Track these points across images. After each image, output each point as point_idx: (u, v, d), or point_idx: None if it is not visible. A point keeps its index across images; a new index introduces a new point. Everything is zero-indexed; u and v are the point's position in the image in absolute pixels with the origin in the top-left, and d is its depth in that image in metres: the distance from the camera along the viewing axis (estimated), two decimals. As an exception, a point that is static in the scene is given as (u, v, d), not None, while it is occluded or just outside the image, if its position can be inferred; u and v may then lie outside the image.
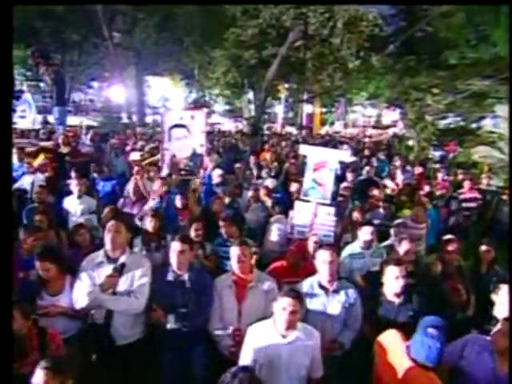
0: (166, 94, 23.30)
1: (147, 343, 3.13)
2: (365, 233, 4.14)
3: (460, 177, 9.21)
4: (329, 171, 4.90)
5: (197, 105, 16.33)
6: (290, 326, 2.48)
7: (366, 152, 12.89)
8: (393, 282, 3.07)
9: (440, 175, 8.86)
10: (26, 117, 10.33)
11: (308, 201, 4.81)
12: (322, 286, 3.12)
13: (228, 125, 27.23)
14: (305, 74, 14.64)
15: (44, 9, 17.62)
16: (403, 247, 3.72)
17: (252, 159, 8.78)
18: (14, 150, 6.39)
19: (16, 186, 5.76)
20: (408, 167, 10.42)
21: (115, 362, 3.02)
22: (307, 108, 24.70)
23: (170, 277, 3.03)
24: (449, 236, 4.38)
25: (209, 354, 3.14)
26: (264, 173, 7.29)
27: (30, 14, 17.49)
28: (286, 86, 23.08)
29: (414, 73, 14.96)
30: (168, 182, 6.05)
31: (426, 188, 7.85)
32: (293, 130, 30.12)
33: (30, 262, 3.28)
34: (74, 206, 5.15)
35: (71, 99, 23.62)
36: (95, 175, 6.50)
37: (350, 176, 8.23)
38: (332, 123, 30.47)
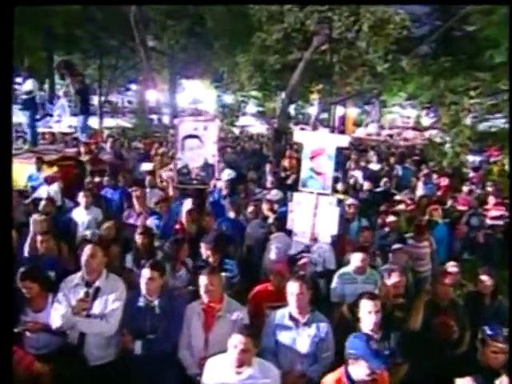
0: (198, 96, 23.69)
1: (120, 365, 3.19)
2: (356, 259, 3.99)
3: (488, 189, 8.68)
4: (327, 159, 4.55)
5: (219, 113, 16.40)
6: (241, 363, 2.44)
7: (393, 160, 12.37)
8: (366, 317, 2.94)
9: (466, 188, 8.33)
10: (61, 121, 10.82)
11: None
12: (292, 318, 3.05)
13: (259, 127, 27.27)
14: (332, 78, 14.32)
15: (84, 16, 18.54)
16: (391, 280, 3.54)
17: (268, 167, 8.72)
18: (34, 160, 6.75)
19: (34, 195, 6.07)
20: (434, 177, 9.94)
21: (88, 382, 3.11)
22: (339, 110, 24.14)
23: (141, 302, 3.07)
24: (450, 266, 4.14)
25: (180, 378, 3.16)
26: (269, 183, 7.12)
27: (71, 22, 18.50)
28: (318, 87, 22.66)
29: (450, 74, 14.19)
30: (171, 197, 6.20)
31: (449, 202, 7.51)
32: (326, 131, 29.69)
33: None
34: (81, 217, 5.35)
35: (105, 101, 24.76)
36: (104, 183, 6.68)
37: (366, 185, 8.00)
38: (366, 125, 29.65)
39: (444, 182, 9.27)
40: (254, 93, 24.44)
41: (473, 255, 6.15)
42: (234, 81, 15.77)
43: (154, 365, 3.03)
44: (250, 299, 3.77)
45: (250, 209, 5.54)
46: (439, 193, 8.84)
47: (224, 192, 6.28)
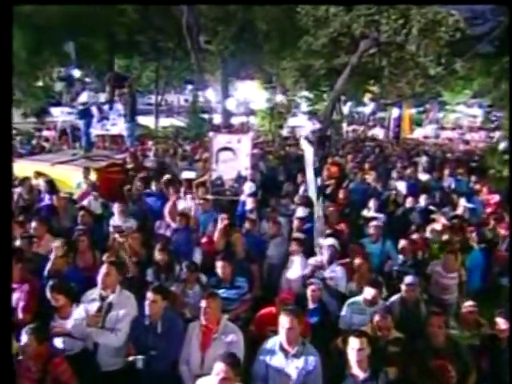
0: (250, 97, 24.04)
1: (128, 372, 3.53)
2: (368, 293, 3.98)
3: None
4: None
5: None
6: (222, 392, 2.61)
7: (446, 169, 11.16)
8: (351, 354, 2.99)
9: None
10: (116, 124, 11.65)
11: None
12: (283, 348, 3.17)
13: (311, 128, 26.95)
14: (382, 82, 13.89)
15: (144, 22, 19.70)
16: (375, 319, 3.51)
17: (300, 178, 8.65)
18: (81, 169, 7.42)
19: (79, 204, 6.69)
20: (484, 191, 9.21)
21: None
22: (395, 111, 23.15)
23: (147, 320, 3.38)
24: (467, 305, 3.95)
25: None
26: (297, 198, 7.06)
27: (131, 27, 19.78)
28: (371, 88, 21.97)
29: None
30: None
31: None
32: (380, 132, 28.64)
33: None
34: (117, 223, 5.80)
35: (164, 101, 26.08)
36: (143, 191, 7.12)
37: (409, 200, 7.39)
38: (423, 126, 28.14)
39: (494, 198, 8.53)
40: (305, 93, 24.36)
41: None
42: (282, 84, 15.89)
43: (157, 375, 3.34)
44: (254, 321, 3.96)
45: (270, 227, 5.58)
46: (488, 209, 8.20)
47: (250, 206, 6.39)
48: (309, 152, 5.42)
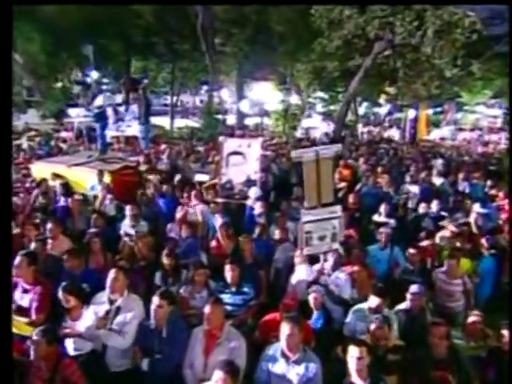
0: (264, 98, 24.12)
1: (134, 373, 3.63)
2: (373, 302, 3.98)
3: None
4: None
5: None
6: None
7: (461, 174, 10.58)
8: (350, 362, 3.01)
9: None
10: (131, 125, 11.91)
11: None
12: (284, 354, 3.22)
13: (325, 129, 26.86)
14: (397, 83, 13.74)
15: (160, 24, 20.01)
16: (371, 327, 3.51)
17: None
18: (96, 171, 7.60)
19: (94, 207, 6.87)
20: (501, 195, 8.99)
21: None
22: (411, 112, 22.81)
23: (152, 324, 3.47)
24: (472, 315, 3.90)
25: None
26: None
27: (147, 30, 20.12)
28: (389, 89, 21.65)
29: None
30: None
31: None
32: (396, 134, 28.27)
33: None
34: (127, 229, 5.94)
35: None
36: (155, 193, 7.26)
37: (423, 206, 7.23)
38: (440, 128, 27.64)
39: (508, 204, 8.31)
40: (320, 94, 24.25)
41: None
42: (296, 85, 15.90)
43: (161, 378, 3.43)
44: (258, 327, 4.02)
45: (277, 232, 5.59)
46: (503, 215, 8.02)
47: (259, 210, 6.43)
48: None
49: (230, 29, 16.63)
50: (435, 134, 29.71)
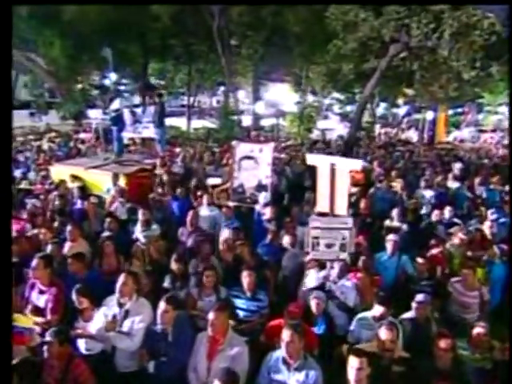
0: (280, 99, 24.15)
1: (142, 374, 3.76)
2: (377, 311, 4.00)
3: None
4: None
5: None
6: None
7: (478, 178, 10.34)
8: (350, 373, 3.05)
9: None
10: (148, 127, 12.10)
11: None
12: (285, 361, 3.28)
13: (341, 131, 26.68)
14: (413, 86, 13.56)
15: (177, 26, 20.29)
16: (381, 335, 3.49)
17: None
18: (112, 174, 7.81)
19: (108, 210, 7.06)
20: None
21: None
22: (429, 114, 22.40)
23: (158, 328, 3.60)
24: (478, 326, 3.87)
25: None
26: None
27: (165, 32, 20.45)
28: (407, 91, 21.33)
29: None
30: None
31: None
32: (414, 135, 27.79)
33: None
34: (139, 234, 6.08)
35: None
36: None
37: (436, 213, 7.08)
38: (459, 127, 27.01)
39: (527, 210, 8.09)
40: (336, 94, 24.11)
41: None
42: (312, 86, 15.86)
43: (166, 380, 3.56)
44: (264, 332, 4.10)
45: (287, 238, 5.59)
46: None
47: (268, 216, 6.46)
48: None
49: (245, 31, 16.73)
50: (454, 136, 29.06)
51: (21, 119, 22.56)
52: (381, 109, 29.36)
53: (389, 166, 12.06)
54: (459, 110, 31.19)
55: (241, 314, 4.39)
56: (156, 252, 5.15)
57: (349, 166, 4.78)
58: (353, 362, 3.03)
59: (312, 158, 5.08)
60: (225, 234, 5.57)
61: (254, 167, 7.61)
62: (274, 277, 5.24)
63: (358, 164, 4.88)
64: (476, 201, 9.13)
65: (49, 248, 5.06)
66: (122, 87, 25.77)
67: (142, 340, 3.66)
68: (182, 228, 6.32)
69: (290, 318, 3.87)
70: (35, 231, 5.83)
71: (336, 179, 4.72)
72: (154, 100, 9.51)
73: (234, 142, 7.98)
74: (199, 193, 7.78)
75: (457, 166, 12.55)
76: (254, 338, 4.08)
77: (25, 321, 4.01)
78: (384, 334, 3.45)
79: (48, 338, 3.36)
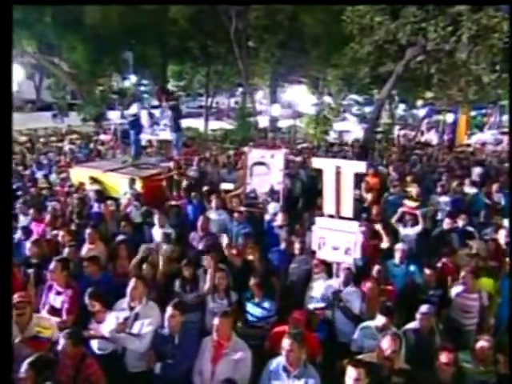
0: (298, 100, 24.11)
1: (149, 375, 3.92)
2: (380, 320, 4.04)
3: None
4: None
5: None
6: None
7: (495, 185, 9.80)
8: (348, 383, 3.11)
9: None
10: (166, 129, 12.34)
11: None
12: (285, 369, 3.38)
13: (358, 133, 26.43)
14: (431, 89, 13.37)
15: (194, 29, 20.59)
16: (383, 344, 3.53)
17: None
18: (128, 177, 8.04)
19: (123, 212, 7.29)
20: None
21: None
22: (449, 116, 21.91)
23: (166, 331, 3.76)
24: (482, 340, 3.83)
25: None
26: None
27: (183, 34, 20.76)
28: (427, 94, 20.90)
29: None
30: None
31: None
32: (434, 138, 27.25)
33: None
34: (156, 236, 6.27)
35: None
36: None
37: (447, 221, 6.84)
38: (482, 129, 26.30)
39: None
40: (354, 96, 23.90)
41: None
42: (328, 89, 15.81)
43: (172, 381, 3.72)
44: (268, 338, 4.20)
45: (297, 245, 5.61)
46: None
47: (279, 222, 6.53)
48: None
49: (262, 35, 16.84)
50: (476, 138, 28.31)
51: (44, 120, 23.46)
52: (400, 110, 28.91)
53: (405, 171, 11.91)
54: (483, 111, 30.36)
55: (249, 318, 4.53)
56: (167, 263, 5.23)
57: (353, 169, 4.87)
58: (351, 373, 3.09)
59: (318, 162, 5.14)
60: (225, 240, 5.62)
61: (266, 173, 7.73)
62: (281, 283, 5.33)
63: (362, 166, 4.89)
64: (493, 208, 8.93)
65: (66, 251, 5.29)
66: (142, 88, 26.35)
67: (150, 342, 3.83)
68: (194, 233, 6.46)
69: (293, 326, 3.97)
70: (54, 233, 6.09)
71: (341, 182, 4.85)
72: (170, 104, 9.68)
73: (246, 148, 8.12)
74: (212, 197, 7.91)
75: (476, 171, 12.26)
76: (259, 344, 4.19)
77: (47, 328, 4.08)
78: (386, 344, 3.48)
79: (62, 340, 3.55)
